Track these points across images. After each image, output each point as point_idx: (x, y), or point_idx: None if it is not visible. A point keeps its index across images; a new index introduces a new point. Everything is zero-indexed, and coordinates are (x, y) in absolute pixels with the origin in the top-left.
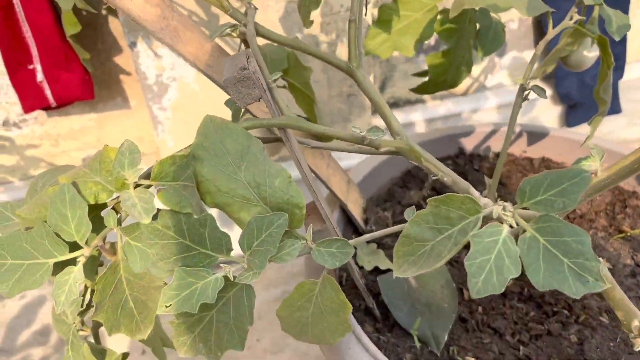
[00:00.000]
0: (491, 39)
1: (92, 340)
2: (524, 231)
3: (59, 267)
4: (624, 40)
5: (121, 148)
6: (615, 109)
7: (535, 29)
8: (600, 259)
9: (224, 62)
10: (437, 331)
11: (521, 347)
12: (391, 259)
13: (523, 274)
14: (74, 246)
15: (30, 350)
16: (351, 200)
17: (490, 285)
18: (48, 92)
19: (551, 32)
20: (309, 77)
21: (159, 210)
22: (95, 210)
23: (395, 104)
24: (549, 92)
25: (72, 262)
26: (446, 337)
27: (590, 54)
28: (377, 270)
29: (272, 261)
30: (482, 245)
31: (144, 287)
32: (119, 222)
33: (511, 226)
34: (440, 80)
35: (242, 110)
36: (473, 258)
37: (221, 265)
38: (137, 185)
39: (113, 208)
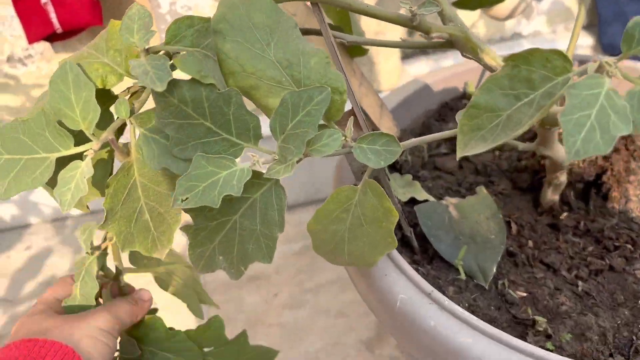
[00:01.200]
0: None
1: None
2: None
3: (63, 163)
4: None
5: (129, 12)
6: None
7: None
8: None
9: None
10: (484, 263)
11: (580, 283)
12: (428, 191)
13: (572, 210)
14: (80, 139)
15: (35, 300)
16: (385, 127)
17: (592, 144)
18: (53, 16)
19: None
20: None
21: (175, 82)
22: (104, 104)
23: (426, 50)
24: (591, 41)
25: (79, 157)
26: (494, 270)
27: None
28: (412, 203)
29: (307, 155)
30: (581, 98)
31: (161, 195)
32: (132, 113)
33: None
34: None
35: None
36: (569, 113)
37: (249, 154)
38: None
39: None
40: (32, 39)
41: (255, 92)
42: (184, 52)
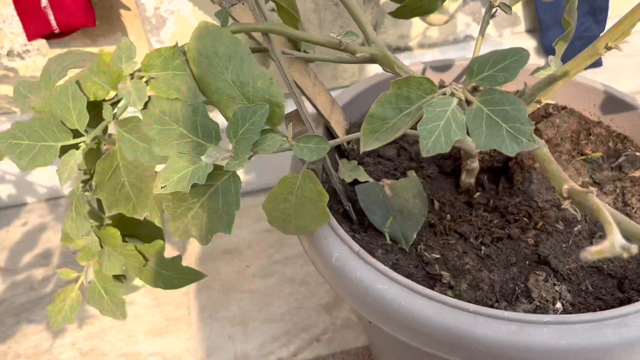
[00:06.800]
0: None
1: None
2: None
3: (64, 151)
4: None
5: (119, 45)
6: (597, 62)
7: None
8: None
9: None
10: (406, 231)
11: (483, 248)
12: (370, 174)
13: (485, 190)
14: (77, 134)
15: (32, 270)
16: (334, 120)
17: (438, 145)
18: (52, 18)
19: None
20: None
21: (157, 97)
22: (97, 109)
23: None
24: (534, 43)
25: (75, 147)
26: (414, 237)
27: None
28: (356, 183)
29: (255, 152)
30: (434, 113)
31: (138, 174)
32: (115, 117)
33: (462, 100)
34: (417, 5)
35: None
36: (425, 124)
37: (213, 152)
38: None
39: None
40: (31, 37)
41: (218, 105)
42: (155, 77)
